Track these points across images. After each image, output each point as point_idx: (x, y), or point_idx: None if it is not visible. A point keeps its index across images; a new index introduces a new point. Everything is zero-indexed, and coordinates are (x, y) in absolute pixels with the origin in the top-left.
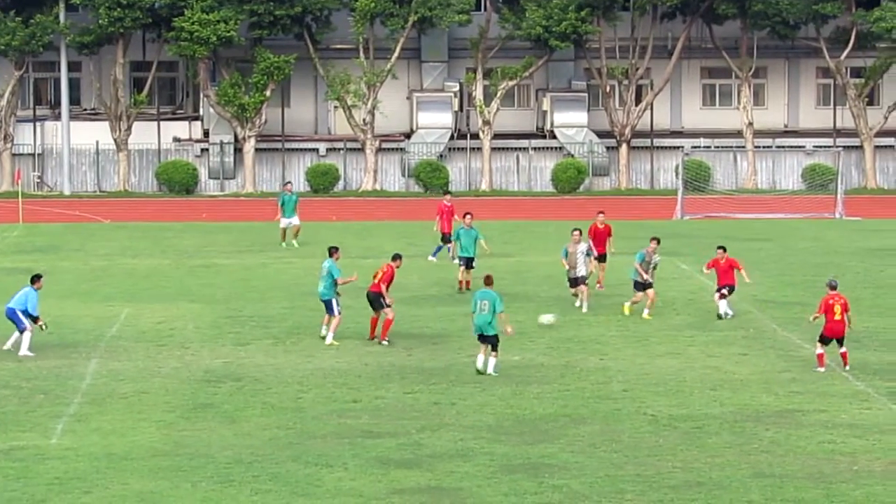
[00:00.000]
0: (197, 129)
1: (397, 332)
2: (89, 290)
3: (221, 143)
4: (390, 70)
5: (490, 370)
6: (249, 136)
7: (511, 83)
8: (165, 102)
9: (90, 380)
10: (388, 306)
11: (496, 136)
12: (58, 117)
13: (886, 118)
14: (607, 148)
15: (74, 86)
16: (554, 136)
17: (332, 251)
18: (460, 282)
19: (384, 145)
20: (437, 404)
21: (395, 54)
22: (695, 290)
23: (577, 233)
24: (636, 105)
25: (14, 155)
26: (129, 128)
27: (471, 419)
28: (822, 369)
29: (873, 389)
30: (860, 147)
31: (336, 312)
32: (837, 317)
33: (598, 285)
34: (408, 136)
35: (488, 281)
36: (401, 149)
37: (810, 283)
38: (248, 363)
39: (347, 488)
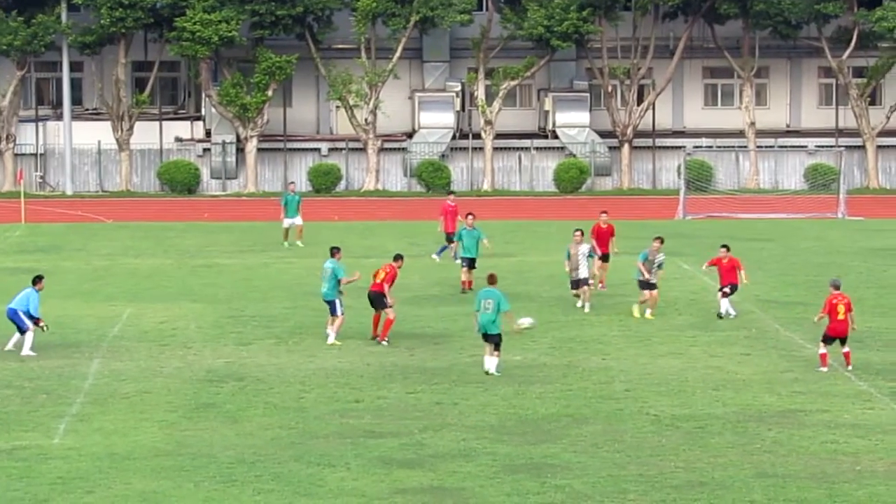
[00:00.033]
0: (199, 129)
1: (399, 332)
2: (91, 290)
3: (223, 143)
4: (392, 70)
5: (492, 370)
6: (251, 136)
7: (513, 83)
8: (167, 102)
9: (92, 380)
10: (390, 307)
11: (498, 135)
12: (60, 117)
13: (889, 118)
14: (609, 148)
15: (76, 86)
16: (556, 136)
17: (334, 251)
18: (463, 282)
19: (386, 145)
20: (439, 404)
21: (397, 54)
22: (697, 290)
23: (578, 233)
24: (638, 105)
25: (16, 155)
26: (131, 128)
27: (473, 419)
28: (825, 369)
29: (876, 389)
30: (862, 147)
31: (339, 313)
32: (841, 316)
33: (600, 285)
34: (410, 135)
35: (492, 280)
36: (403, 149)
37: (813, 283)
38: (250, 363)
39: (350, 488)
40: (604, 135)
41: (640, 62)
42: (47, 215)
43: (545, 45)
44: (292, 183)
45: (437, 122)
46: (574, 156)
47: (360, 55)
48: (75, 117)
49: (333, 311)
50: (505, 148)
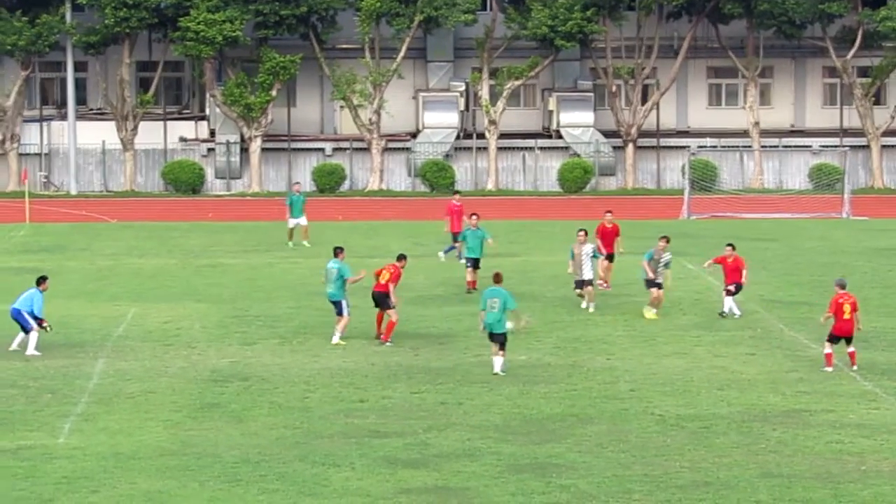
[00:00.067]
0: (203, 129)
1: (404, 332)
2: (96, 290)
3: (227, 143)
4: (396, 70)
5: (497, 369)
6: (255, 136)
7: (517, 83)
8: (171, 102)
9: (97, 379)
10: (393, 307)
11: (502, 135)
12: (64, 117)
13: (893, 117)
14: (613, 148)
15: (81, 86)
16: (560, 136)
17: (338, 251)
18: (468, 282)
19: (390, 145)
20: (443, 404)
21: (401, 54)
22: (701, 290)
23: (582, 233)
24: (642, 105)
25: (21, 155)
26: (136, 128)
27: (478, 419)
28: (830, 369)
29: (881, 389)
30: (867, 146)
31: (346, 313)
32: (847, 316)
33: (605, 284)
34: (414, 135)
35: (498, 279)
36: (407, 148)
37: (817, 282)
38: (254, 363)
39: (354, 488)
40: (608, 135)
41: (644, 62)
42: (52, 215)
43: (549, 44)
44: (297, 183)
45: (441, 121)
46: (578, 156)
47: (364, 55)
48: (79, 117)
49: (340, 312)
50: (509, 148)
